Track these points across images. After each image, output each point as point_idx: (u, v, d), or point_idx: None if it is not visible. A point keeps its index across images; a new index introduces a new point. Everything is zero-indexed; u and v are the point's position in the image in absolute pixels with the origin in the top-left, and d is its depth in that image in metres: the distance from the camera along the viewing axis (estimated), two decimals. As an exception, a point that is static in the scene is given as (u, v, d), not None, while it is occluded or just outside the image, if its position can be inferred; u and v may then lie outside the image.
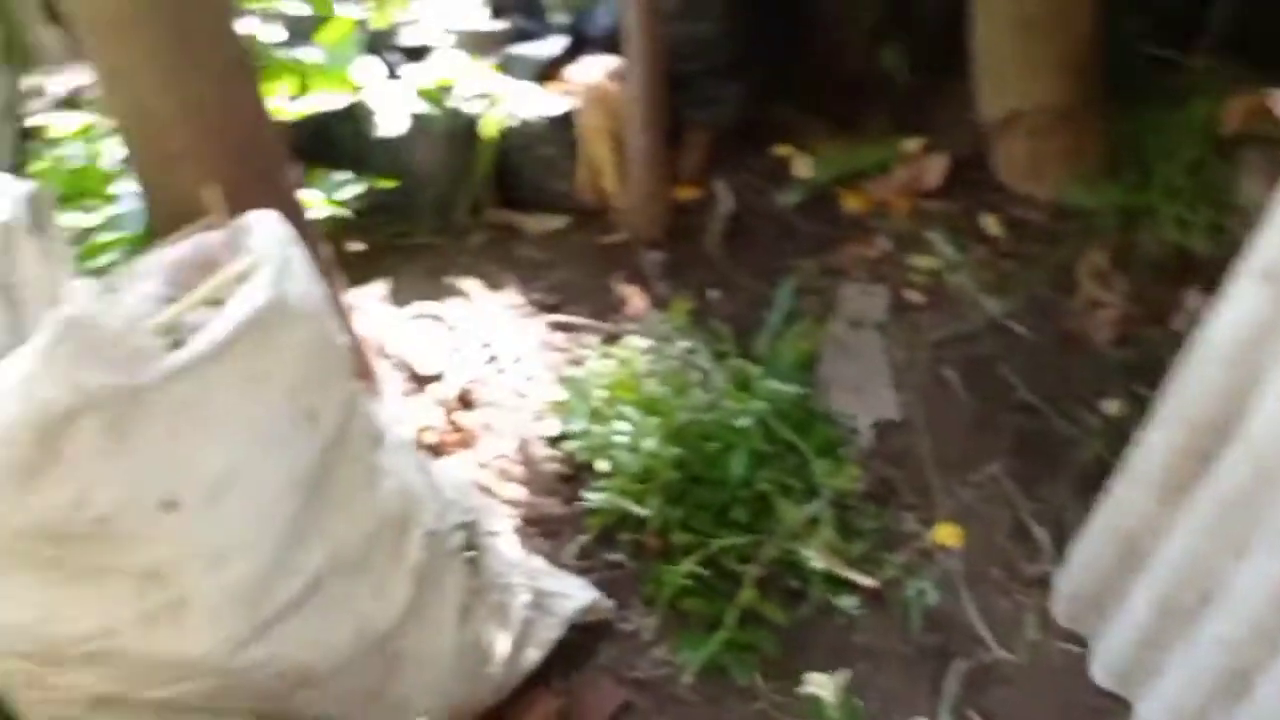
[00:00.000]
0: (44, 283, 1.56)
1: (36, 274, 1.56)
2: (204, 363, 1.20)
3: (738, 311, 2.44)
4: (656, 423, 2.03)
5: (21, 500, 1.19)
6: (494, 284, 2.54)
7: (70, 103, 3.13)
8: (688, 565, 1.90)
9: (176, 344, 1.22)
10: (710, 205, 2.67)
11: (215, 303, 1.36)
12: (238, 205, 1.53)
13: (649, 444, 1.99)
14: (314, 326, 1.34)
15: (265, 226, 1.36)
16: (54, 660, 1.39)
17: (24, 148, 2.25)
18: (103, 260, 1.85)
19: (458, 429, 2.13)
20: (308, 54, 2.30)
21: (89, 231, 1.82)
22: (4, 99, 2.48)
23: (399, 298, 2.47)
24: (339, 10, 2.52)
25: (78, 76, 3.19)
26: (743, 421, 2.00)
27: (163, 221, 1.69)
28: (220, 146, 1.56)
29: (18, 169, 2.46)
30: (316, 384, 1.39)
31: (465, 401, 2.19)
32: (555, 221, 2.67)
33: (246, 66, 1.62)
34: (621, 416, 2.06)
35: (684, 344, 2.19)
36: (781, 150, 2.81)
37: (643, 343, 2.26)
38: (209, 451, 1.26)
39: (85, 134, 2.10)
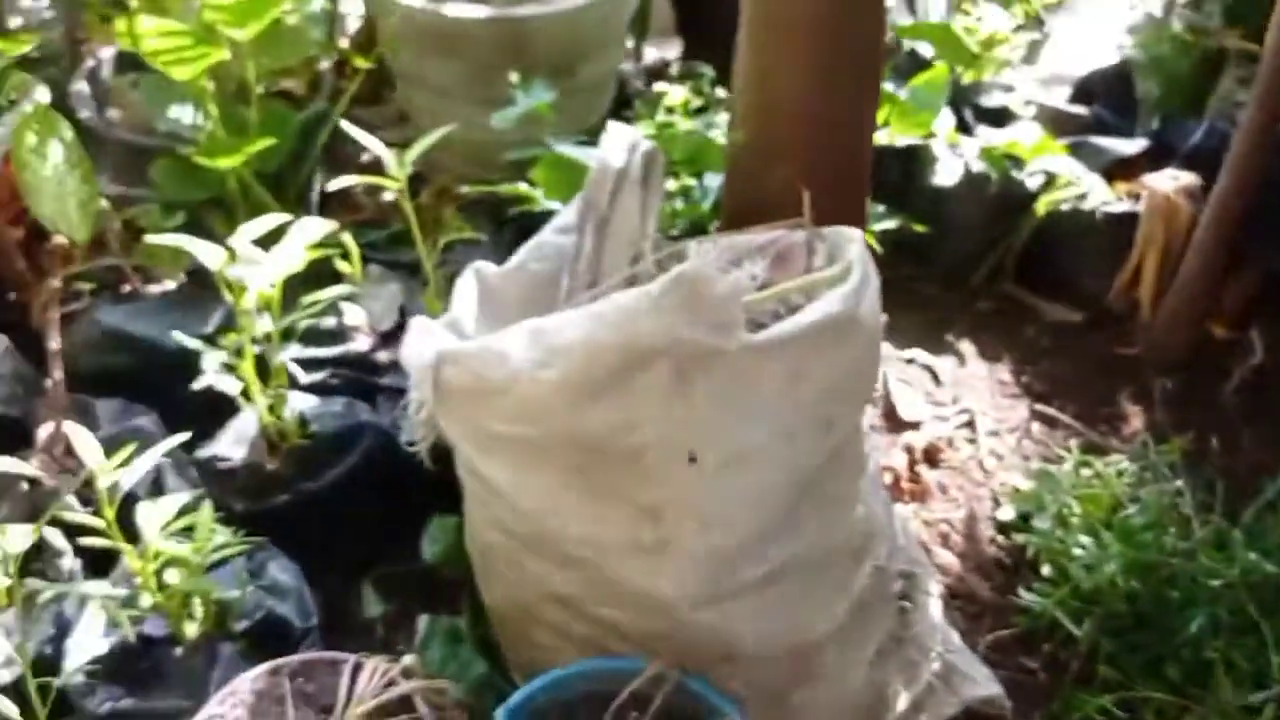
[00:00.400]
0: (632, 228, 1.76)
1: (629, 220, 1.76)
2: (773, 348, 1.31)
3: (1234, 468, 2.28)
4: (1121, 550, 1.95)
5: (582, 410, 1.35)
6: (991, 355, 2.53)
7: (655, 73, 3.43)
8: (1104, 700, 1.82)
9: (753, 324, 1.34)
10: (1240, 351, 2.50)
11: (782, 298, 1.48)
12: (820, 214, 1.64)
13: (1109, 568, 1.92)
14: (866, 347, 1.42)
15: (855, 243, 1.45)
16: (537, 548, 1.57)
17: (629, 106, 2.52)
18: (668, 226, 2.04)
19: (916, 480, 2.16)
20: (898, 91, 2.39)
21: (667, 196, 2.01)
22: (617, 62, 2.77)
23: (894, 338, 2.52)
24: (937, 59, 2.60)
25: (668, 50, 3.49)
26: (1213, 582, 1.88)
27: (738, 208, 1.84)
28: (827, 156, 1.67)
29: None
30: (843, 398, 1.47)
31: (930, 457, 2.21)
32: (1072, 314, 2.62)
33: (877, 89, 1.71)
34: (1088, 530, 2.00)
35: (1175, 484, 2.08)
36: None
37: (1128, 465, 2.17)
38: (741, 426, 1.37)
39: (684, 107, 2.31)
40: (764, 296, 1.40)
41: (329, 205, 2.87)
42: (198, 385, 1.73)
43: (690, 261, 1.24)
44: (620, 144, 1.73)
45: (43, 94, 2.38)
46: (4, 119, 2.27)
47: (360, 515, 1.98)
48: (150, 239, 1.86)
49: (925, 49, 2.64)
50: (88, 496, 1.83)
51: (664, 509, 1.41)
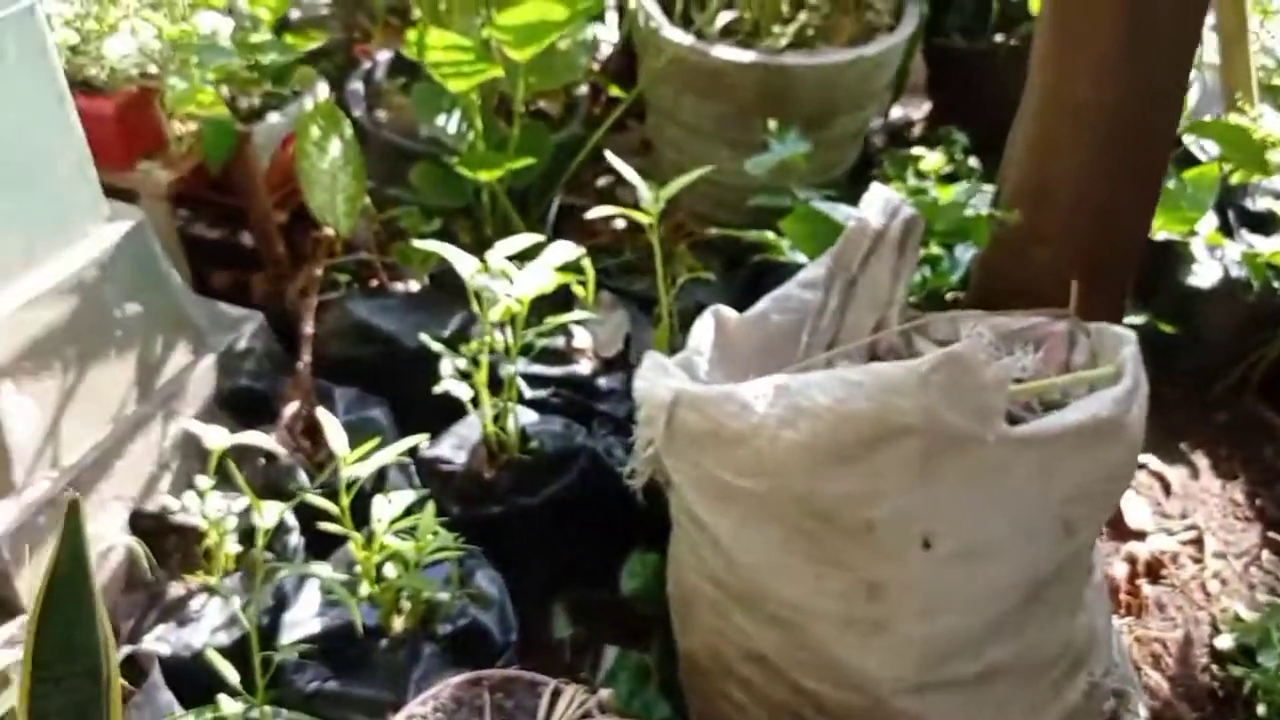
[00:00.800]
0: (880, 293, 1.73)
1: (878, 284, 1.73)
2: (1032, 443, 1.26)
3: None
4: (1354, 704, 1.81)
5: (820, 475, 1.33)
6: (1225, 471, 2.39)
7: (898, 131, 3.39)
8: None
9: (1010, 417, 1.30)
10: None
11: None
12: (1079, 303, 1.58)
13: (1338, 722, 1.78)
14: (1125, 455, 1.35)
15: (1129, 345, 1.39)
16: (746, 604, 1.55)
17: (870, 163, 2.49)
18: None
19: (1134, 594, 2.05)
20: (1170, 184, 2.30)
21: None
22: (871, 117, 2.75)
23: (1124, 438, 2.41)
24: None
25: (913, 109, 3.45)
26: None
27: (990, 287, 1.79)
28: (1095, 245, 1.61)
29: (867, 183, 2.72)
30: (1090, 503, 1.41)
31: (1152, 571, 2.10)
32: (1317, 442, 2.45)
33: (1160, 184, 1.64)
34: (1316, 676, 1.86)
35: None
36: None
37: (1368, 611, 2.01)
38: (981, 516, 1.33)
39: (934, 172, 2.27)
40: (1027, 389, 1.36)
41: (564, 225, 2.95)
42: (438, 389, 1.78)
43: (963, 343, 1.20)
44: (881, 206, 1.71)
45: (323, 89, 2.52)
46: (286, 109, 2.41)
47: (563, 536, 2.01)
48: (416, 243, 1.94)
49: (1200, 146, 2.52)
50: (315, 476, 1.92)
51: (886, 587, 1.38)
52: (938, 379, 1.20)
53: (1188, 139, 2.59)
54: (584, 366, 2.23)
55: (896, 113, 3.41)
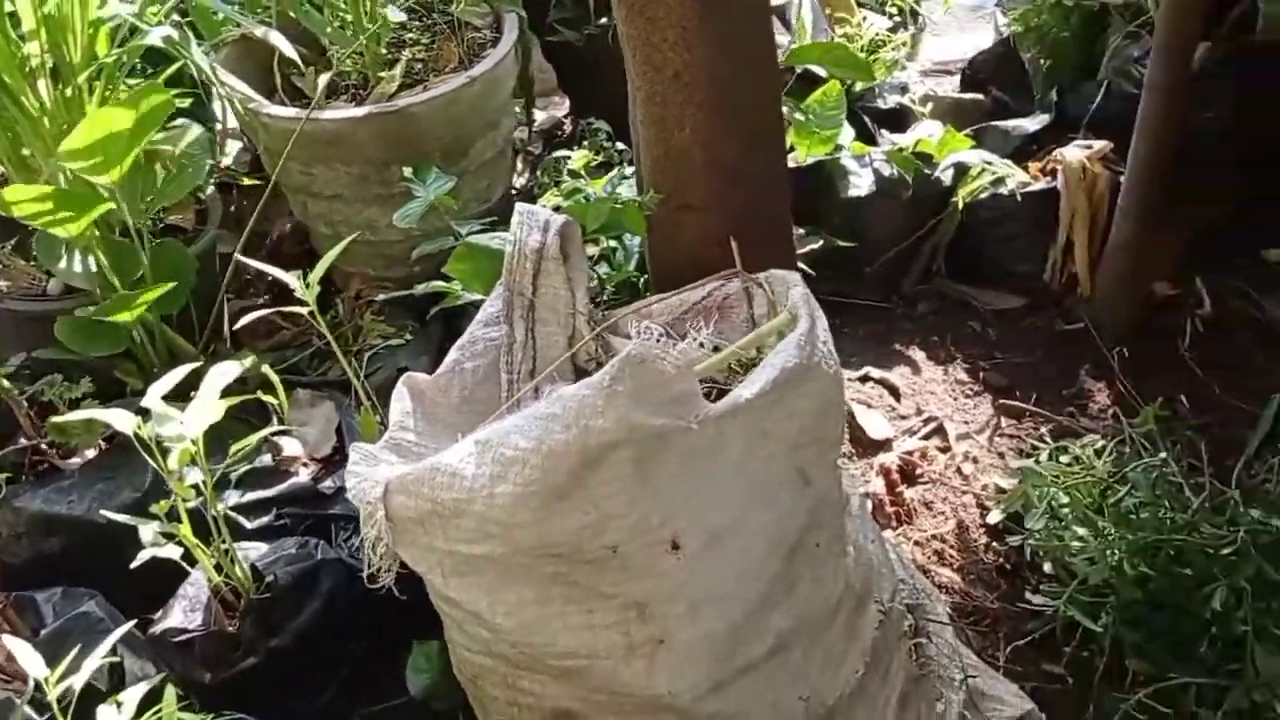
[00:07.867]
0: (562, 307, 1.68)
1: (557, 299, 1.68)
2: (734, 414, 1.23)
3: (1211, 425, 2.24)
4: (1119, 534, 1.89)
5: (547, 518, 1.26)
6: (943, 357, 2.48)
7: (550, 134, 3.37)
8: (1139, 696, 1.76)
9: (711, 384, 1.26)
10: (1187, 304, 2.48)
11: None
12: (751, 260, 1.57)
13: (1113, 556, 1.86)
14: (827, 390, 1.35)
15: (796, 287, 1.38)
16: (528, 667, 1.47)
17: (531, 171, 2.44)
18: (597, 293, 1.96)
19: (898, 502, 2.09)
20: (794, 114, 2.35)
21: (591, 263, 1.93)
22: (509, 132, 2.70)
23: (842, 359, 2.45)
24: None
25: (558, 109, 3.43)
26: (1224, 551, 1.82)
27: (664, 267, 1.76)
28: (742, 198, 1.60)
29: (529, 196, 2.68)
30: (814, 445, 1.40)
31: (907, 475, 2.15)
32: (1011, 300, 2.57)
33: (780, 121, 1.65)
34: (1082, 520, 1.94)
35: (1159, 455, 2.02)
36: (1275, 254, 2.57)
37: (1105, 443, 2.12)
38: (713, 500, 1.29)
39: (584, 167, 2.24)
40: (715, 361, 1.33)
41: (244, 333, 2.76)
42: (138, 561, 1.61)
43: (634, 343, 1.16)
44: (532, 224, 1.66)
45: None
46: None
47: (335, 658, 1.87)
48: (68, 417, 1.76)
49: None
50: (43, 702, 1.70)
51: (649, 603, 1.32)
52: (624, 386, 1.15)
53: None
54: (302, 475, 2.09)
55: (542, 116, 3.39)
